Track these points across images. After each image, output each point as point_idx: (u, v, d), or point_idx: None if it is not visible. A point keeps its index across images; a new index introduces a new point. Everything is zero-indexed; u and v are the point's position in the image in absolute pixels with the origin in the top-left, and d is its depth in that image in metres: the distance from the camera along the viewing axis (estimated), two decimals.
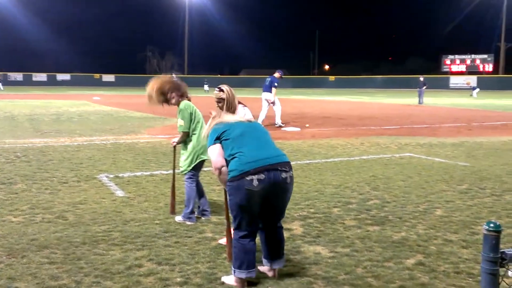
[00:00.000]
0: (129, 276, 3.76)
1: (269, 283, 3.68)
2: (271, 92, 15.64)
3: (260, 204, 3.62)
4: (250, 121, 3.95)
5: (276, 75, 15.87)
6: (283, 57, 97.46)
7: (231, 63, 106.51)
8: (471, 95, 41.99)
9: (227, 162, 3.64)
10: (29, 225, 5.04)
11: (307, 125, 15.74)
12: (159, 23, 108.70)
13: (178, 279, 3.72)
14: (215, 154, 3.71)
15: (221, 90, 4.59)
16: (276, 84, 15.73)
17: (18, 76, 69.05)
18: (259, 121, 15.43)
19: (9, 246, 4.38)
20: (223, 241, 4.69)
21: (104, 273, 3.81)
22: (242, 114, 4.71)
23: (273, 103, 15.76)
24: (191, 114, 5.25)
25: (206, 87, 51.59)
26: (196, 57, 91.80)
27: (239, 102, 4.76)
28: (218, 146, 3.72)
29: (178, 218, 5.25)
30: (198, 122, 5.29)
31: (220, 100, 4.61)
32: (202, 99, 16.03)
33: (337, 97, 40.57)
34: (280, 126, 15.32)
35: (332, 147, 11.10)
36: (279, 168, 3.60)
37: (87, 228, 4.96)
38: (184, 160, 5.26)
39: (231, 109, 4.61)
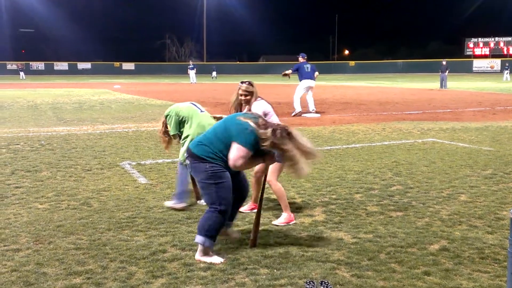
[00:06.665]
0: (153, 262, 3.81)
1: (292, 268, 3.69)
2: (315, 79, 15.32)
3: None
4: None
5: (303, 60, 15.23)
6: (302, 43, 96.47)
7: (250, 50, 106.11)
8: (506, 79, 41.22)
9: None
10: (55, 211, 5.14)
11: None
12: (177, 10, 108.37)
13: (202, 265, 3.76)
14: None
15: (251, 85, 4.95)
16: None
17: (40, 65, 69.89)
18: (310, 108, 15.14)
19: (36, 233, 4.48)
20: (277, 221, 4.80)
21: (129, 259, 3.87)
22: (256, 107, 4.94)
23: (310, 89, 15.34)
24: (176, 117, 5.34)
25: (214, 73, 53.22)
26: (215, 44, 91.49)
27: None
28: None
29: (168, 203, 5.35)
30: (182, 120, 5.35)
31: (249, 94, 4.92)
32: (209, 85, 15.93)
33: (357, 83, 40.18)
34: (301, 112, 15.00)
35: (353, 133, 11.02)
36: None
37: (112, 214, 5.04)
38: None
39: (254, 101, 4.97)
